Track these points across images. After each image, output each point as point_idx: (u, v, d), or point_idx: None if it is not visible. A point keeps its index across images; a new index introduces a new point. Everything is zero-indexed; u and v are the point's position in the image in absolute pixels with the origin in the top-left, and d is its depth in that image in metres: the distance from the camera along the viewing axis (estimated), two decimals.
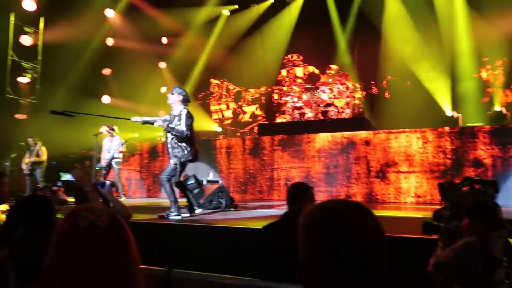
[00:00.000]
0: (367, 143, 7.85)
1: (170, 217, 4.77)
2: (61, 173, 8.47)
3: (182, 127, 4.83)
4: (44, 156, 8.77)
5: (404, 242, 3.29)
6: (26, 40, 10.35)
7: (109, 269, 0.94)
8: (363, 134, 7.94)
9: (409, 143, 7.54)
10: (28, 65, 10.65)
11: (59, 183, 8.66)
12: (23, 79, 10.46)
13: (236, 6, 13.08)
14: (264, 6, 12.80)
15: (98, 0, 11.44)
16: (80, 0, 10.56)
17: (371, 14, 10.85)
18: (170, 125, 4.87)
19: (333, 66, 11.05)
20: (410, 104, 9.98)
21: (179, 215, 4.85)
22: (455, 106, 9.89)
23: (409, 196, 7.40)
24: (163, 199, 8.17)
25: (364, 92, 11.06)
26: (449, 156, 7.23)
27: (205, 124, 13.23)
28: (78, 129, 10.54)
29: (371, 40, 10.75)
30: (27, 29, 10.49)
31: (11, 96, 10.28)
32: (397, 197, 7.49)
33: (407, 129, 7.66)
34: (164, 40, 13.29)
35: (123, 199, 7.60)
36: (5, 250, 2.27)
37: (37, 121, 10.15)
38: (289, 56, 12.64)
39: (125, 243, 1.00)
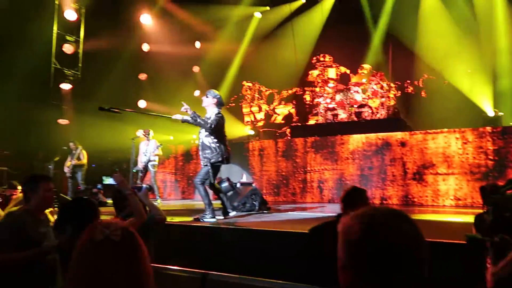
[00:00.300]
0: (403, 144, 7.65)
1: (205, 220, 4.84)
2: (104, 177, 8.84)
3: (211, 120, 4.88)
4: (84, 160, 9.15)
5: (444, 247, 3.18)
6: (67, 48, 10.84)
7: (122, 280, 1.02)
8: (398, 135, 7.75)
9: (448, 143, 7.28)
10: (69, 72, 11.14)
11: (99, 186, 9.00)
12: (65, 86, 10.95)
13: (268, 8, 13.11)
14: (295, 6, 12.75)
15: (134, 7, 11.81)
16: (117, 8, 10.94)
17: (405, 10, 10.55)
18: (196, 114, 4.83)
19: (366, 66, 10.84)
20: (447, 104, 9.63)
21: (213, 217, 4.91)
22: (496, 104, 9.45)
23: (448, 199, 7.15)
24: (198, 201, 8.32)
25: (399, 92, 10.77)
26: (490, 157, 6.92)
27: (237, 128, 13.33)
28: (116, 133, 10.94)
29: (406, 37, 10.45)
30: (68, 38, 10.98)
31: (54, 103, 10.80)
32: (435, 200, 7.25)
33: (445, 129, 7.41)
34: (198, 44, 13.52)
35: (159, 201, 7.80)
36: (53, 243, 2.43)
37: (78, 126, 10.61)
38: (320, 56, 12.51)
39: (138, 256, 1.08)
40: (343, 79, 11.50)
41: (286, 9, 12.88)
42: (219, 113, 5.04)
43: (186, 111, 4.86)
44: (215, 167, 5.04)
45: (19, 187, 5.51)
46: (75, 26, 11.16)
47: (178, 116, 5.10)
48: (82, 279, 1.03)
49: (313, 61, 12.61)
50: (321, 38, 12.22)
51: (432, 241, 3.23)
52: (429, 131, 7.56)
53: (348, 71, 11.99)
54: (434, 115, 9.42)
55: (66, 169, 9.16)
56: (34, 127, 10.17)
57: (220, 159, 5.00)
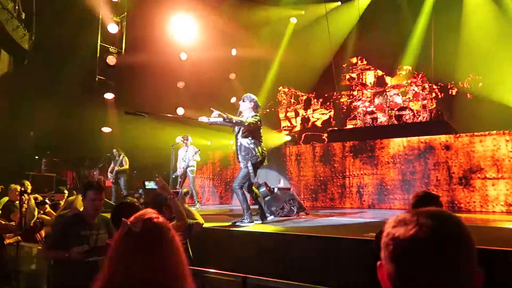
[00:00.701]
0: (447, 147, 7.33)
1: (243, 224, 4.84)
2: (146, 182, 9.12)
3: (244, 119, 4.91)
4: (126, 166, 9.47)
5: (495, 254, 2.99)
6: (110, 60, 11.31)
7: (138, 272, 1.04)
8: (442, 138, 7.42)
9: (497, 146, 6.88)
10: (112, 82, 11.62)
11: (140, 191, 9.27)
12: (108, 95, 11.41)
13: (303, 12, 13.08)
14: (330, 7, 12.61)
15: (170, 16, 12.15)
16: (154, 18, 11.29)
17: (447, 7, 10.13)
18: (229, 115, 4.81)
19: (405, 67, 10.51)
20: (494, 105, 9.15)
21: (251, 222, 4.91)
22: None
23: (498, 205, 6.74)
24: (235, 206, 8.37)
25: (442, 93, 10.35)
26: None
27: (273, 134, 13.31)
28: (156, 139, 11.25)
29: (449, 35, 10.04)
30: (111, 50, 11.47)
31: (99, 112, 11.29)
32: (484, 206, 6.86)
33: (493, 132, 7.01)
34: (234, 51, 13.68)
35: (197, 206, 7.91)
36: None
37: (121, 134, 11.01)
38: (356, 59, 12.29)
39: (157, 249, 1.08)
40: (382, 82, 11.21)
41: (321, 11, 12.76)
42: (256, 115, 5.06)
43: (218, 116, 4.83)
44: (254, 168, 5.04)
45: (66, 192, 5.79)
46: (117, 38, 11.65)
47: (204, 118, 5.10)
48: (106, 271, 1.06)
49: (350, 65, 12.41)
50: (357, 40, 12.01)
51: (481, 248, 3.05)
52: (476, 133, 7.19)
53: (383, 74, 11.71)
54: (481, 117, 8.97)
55: (109, 175, 9.51)
56: (80, 135, 10.67)
57: (259, 159, 5.03)
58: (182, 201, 2.97)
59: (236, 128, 5.10)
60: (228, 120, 4.81)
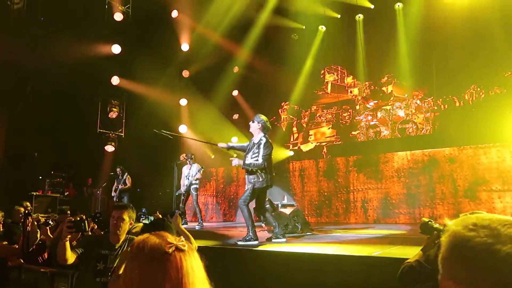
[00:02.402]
0: (451, 160, 7.28)
1: (248, 243, 4.78)
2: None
3: (260, 159, 4.96)
4: (129, 184, 9.45)
5: None
6: (115, 80, 11.43)
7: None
8: (446, 151, 7.38)
9: (502, 158, 6.83)
10: (116, 101, 11.70)
11: (144, 210, 9.22)
12: (112, 114, 11.48)
13: (304, 27, 13.17)
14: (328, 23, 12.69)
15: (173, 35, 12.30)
16: (156, 38, 11.43)
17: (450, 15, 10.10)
18: (246, 163, 5.07)
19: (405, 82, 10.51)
20: (500, 116, 9.10)
21: (256, 240, 4.85)
22: None
23: None
24: (239, 224, 8.30)
25: (446, 106, 10.33)
26: None
27: (276, 150, 13.29)
28: (158, 158, 11.25)
29: (451, 46, 10.03)
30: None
31: (102, 131, 11.34)
32: None
33: (498, 143, 6.97)
34: (235, 69, 13.78)
35: (201, 224, 7.84)
36: None
37: (124, 152, 11.03)
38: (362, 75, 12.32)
39: (132, 263, 1.10)
40: (385, 96, 11.23)
41: (321, 26, 12.86)
42: (266, 142, 5.05)
43: (237, 161, 5.23)
44: (259, 192, 5.04)
45: (69, 213, 5.75)
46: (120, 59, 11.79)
47: (223, 145, 5.54)
48: None
49: (353, 79, 12.46)
50: (358, 55, 12.05)
51: None
52: (480, 145, 7.15)
53: (390, 88, 11.72)
54: (485, 128, 8.92)
55: (113, 194, 9.49)
56: (84, 155, 10.69)
57: (264, 185, 5.03)
58: (176, 222, 2.93)
59: (246, 149, 5.19)
60: (245, 167, 5.07)
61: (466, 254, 0.76)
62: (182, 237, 1.18)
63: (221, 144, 5.53)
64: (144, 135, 10.23)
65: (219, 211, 10.31)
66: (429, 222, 2.18)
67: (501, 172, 6.79)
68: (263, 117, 5.28)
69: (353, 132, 11.50)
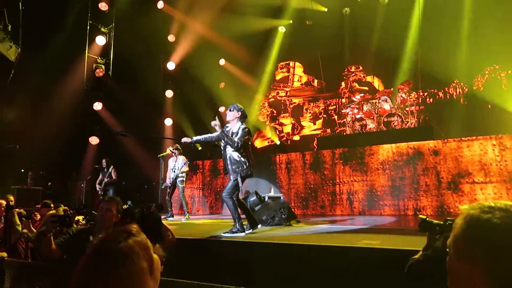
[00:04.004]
0: (435, 152, 7.39)
1: (234, 235, 4.78)
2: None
3: (236, 140, 4.89)
4: (115, 177, 9.33)
5: None
6: (98, 72, 11.24)
7: None
8: (431, 144, 7.49)
9: (484, 151, 6.97)
10: (99, 94, 11.52)
11: (129, 202, 9.13)
12: (97, 106, 11.30)
13: (290, 21, 13.16)
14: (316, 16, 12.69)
15: (159, 26, 12.14)
16: (143, 28, 11.26)
17: (437, 13, 10.19)
18: (224, 132, 4.92)
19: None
20: (482, 110, 9.28)
21: (243, 232, 4.86)
22: None
23: None
24: (226, 216, 8.30)
25: (431, 99, 10.48)
26: None
27: (263, 142, 13.34)
28: (144, 150, 11.14)
29: (437, 40, 10.14)
30: (99, 61, 11.41)
31: (86, 123, 11.16)
32: None
33: (480, 136, 7.10)
34: (222, 61, 13.69)
35: (187, 217, 7.82)
36: None
37: (109, 145, 10.89)
38: (347, 67, 12.40)
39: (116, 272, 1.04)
40: (371, 89, 11.33)
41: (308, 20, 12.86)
42: (245, 128, 5.02)
43: (215, 127, 4.90)
44: (242, 180, 5.03)
45: (52, 206, 5.66)
46: (105, 50, 11.59)
47: (186, 139, 5.40)
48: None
49: (345, 72, 12.52)
50: (346, 48, 12.11)
51: None
52: (463, 138, 7.28)
53: (376, 81, 11.82)
54: (469, 122, 9.09)
55: (98, 187, 9.37)
56: (67, 147, 10.51)
57: (249, 172, 5.02)
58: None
59: (223, 142, 5.07)
60: (223, 136, 4.89)
61: (484, 234, 0.78)
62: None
63: (185, 139, 5.42)
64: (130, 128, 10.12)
65: (205, 203, 10.30)
66: (427, 219, 2.17)
67: (483, 164, 6.93)
68: (240, 105, 5.24)
69: (339, 125, 11.59)
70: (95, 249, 1.05)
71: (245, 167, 4.95)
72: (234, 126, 5.09)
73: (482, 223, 0.79)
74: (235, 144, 4.87)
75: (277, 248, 3.93)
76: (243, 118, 5.13)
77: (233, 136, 5.00)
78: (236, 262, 3.95)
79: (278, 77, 13.96)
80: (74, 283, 1.01)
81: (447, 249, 0.85)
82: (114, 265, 1.01)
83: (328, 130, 12.47)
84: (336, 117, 12.37)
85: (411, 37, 10.81)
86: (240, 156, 4.96)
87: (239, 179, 4.93)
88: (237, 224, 4.87)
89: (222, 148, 5.12)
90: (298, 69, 13.71)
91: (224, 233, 4.86)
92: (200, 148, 5.63)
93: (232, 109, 5.13)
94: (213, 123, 4.92)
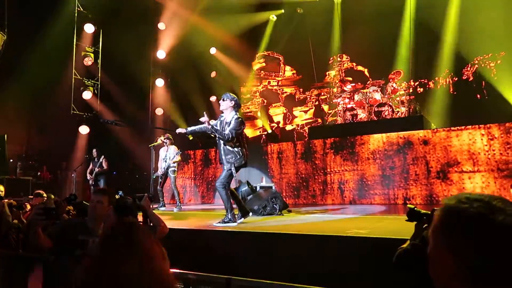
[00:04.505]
0: (425, 142, 7.48)
1: (226, 224, 4.81)
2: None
3: (227, 131, 4.89)
4: (106, 167, 9.28)
5: None
6: (87, 60, 11.11)
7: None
8: (420, 133, 7.57)
9: (472, 140, 7.06)
10: (89, 82, 11.38)
11: (120, 192, 9.10)
12: (87, 95, 11.18)
13: (282, 11, 13.09)
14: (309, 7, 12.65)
15: (150, 15, 11.99)
16: (134, 18, 11.11)
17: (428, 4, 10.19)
18: (214, 127, 4.93)
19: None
20: (473, 100, 9.37)
21: (235, 222, 4.88)
22: None
23: None
24: (218, 206, 8.33)
25: (422, 89, 10.54)
26: None
27: (254, 132, 13.35)
28: (135, 140, 11.07)
29: (429, 30, 10.16)
30: (88, 49, 11.26)
31: (76, 112, 11.03)
32: None
33: (469, 126, 7.19)
34: (213, 50, 13.59)
35: (179, 206, 7.83)
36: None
37: (99, 134, 10.80)
38: (337, 56, 12.40)
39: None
40: (362, 78, 11.35)
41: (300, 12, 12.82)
42: (238, 117, 4.99)
43: (205, 123, 4.92)
44: (236, 170, 5.03)
45: (45, 196, 5.63)
46: (95, 38, 11.43)
47: (181, 130, 5.39)
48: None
49: (330, 61, 12.51)
50: (338, 37, 12.09)
51: None
52: (452, 128, 7.36)
53: (366, 70, 11.85)
54: (458, 112, 9.18)
55: (88, 176, 9.31)
56: (58, 137, 10.41)
57: (243, 162, 5.01)
58: (147, 205, 2.88)
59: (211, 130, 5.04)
60: (213, 131, 4.88)
61: (460, 223, 0.80)
62: None
63: (180, 130, 5.40)
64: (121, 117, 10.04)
65: (197, 193, 10.31)
66: (415, 209, 2.19)
67: (472, 154, 7.03)
68: (233, 95, 5.22)
69: (330, 115, 11.62)
70: (103, 242, 1.06)
71: (238, 157, 4.95)
72: (228, 116, 5.07)
73: (459, 213, 0.81)
74: (226, 137, 4.87)
75: (268, 238, 3.97)
76: (236, 107, 5.11)
77: (226, 126, 4.98)
78: (227, 252, 3.98)
79: (267, 66, 13.92)
80: (83, 280, 1.01)
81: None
82: (125, 256, 1.03)
83: (319, 120, 12.50)
84: (327, 107, 12.40)
85: (403, 26, 10.83)
86: (234, 146, 4.96)
87: (233, 169, 4.92)
88: (229, 214, 4.89)
89: (217, 138, 5.11)
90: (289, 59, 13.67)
91: (216, 223, 4.88)
92: (191, 138, 5.57)
93: (225, 99, 5.09)
94: (202, 119, 4.92)
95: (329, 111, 12.18)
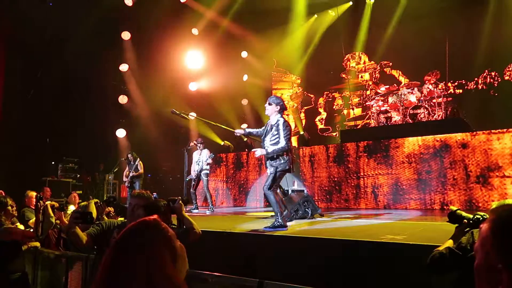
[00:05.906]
0: (464, 145, 7.19)
1: (277, 229, 4.58)
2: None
3: (282, 141, 4.76)
4: (141, 170, 9.52)
5: None
6: (123, 67, 11.46)
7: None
8: (458, 136, 7.29)
9: None
10: (125, 88, 11.74)
11: (155, 195, 9.32)
12: (123, 99, 11.54)
13: (315, 16, 13.03)
14: (341, 10, 12.51)
15: (185, 23, 12.20)
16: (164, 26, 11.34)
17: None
18: (269, 151, 4.82)
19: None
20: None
21: (285, 227, 4.67)
22: None
23: None
24: (249, 209, 8.36)
25: (460, 90, 10.17)
26: None
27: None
28: (169, 143, 11.31)
29: (464, 28, 9.81)
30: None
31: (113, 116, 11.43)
32: None
33: (511, 129, 6.86)
34: (244, 54, 13.70)
35: (212, 209, 7.92)
36: None
37: (135, 138, 11.12)
38: (367, 57, 12.19)
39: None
40: (397, 81, 11.09)
41: (331, 15, 12.71)
42: (284, 122, 4.88)
43: (239, 135, 5.13)
44: (281, 175, 4.93)
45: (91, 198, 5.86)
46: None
47: (240, 131, 5.40)
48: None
49: (364, 63, 12.32)
50: (369, 39, 11.90)
51: None
52: (493, 130, 7.04)
53: (401, 74, 11.57)
54: (499, 114, 8.79)
55: (124, 179, 9.58)
56: (95, 140, 10.80)
57: (287, 167, 4.85)
58: (180, 209, 2.92)
59: (262, 132, 5.03)
60: (274, 153, 4.80)
61: None
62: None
63: (239, 131, 5.37)
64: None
65: (229, 196, 10.39)
66: (457, 211, 2.12)
67: None
68: (279, 98, 5.13)
69: (363, 118, 11.41)
70: (116, 242, 1.10)
71: (283, 161, 4.79)
72: (273, 119, 4.98)
73: None
74: (286, 148, 4.76)
75: (300, 242, 3.94)
76: (281, 111, 5.05)
77: (273, 129, 4.94)
78: (259, 255, 3.98)
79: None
80: (98, 277, 1.06)
81: (473, 253, 0.80)
82: (133, 255, 1.07)
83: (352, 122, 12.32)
84: (359, 109, 12.20)
85: (437, 26, 10.50)
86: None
87: (277, 173, 4.81)
88: (279, 219, 4.66)
89: (261, 140, 5.06)
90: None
91: (265, 227, 4.66)
92: (245, 139, 5.70)
93: (271, 103, 5.03)
94: (237, 131, 4.97)
95: (362, 114, 11.97)
